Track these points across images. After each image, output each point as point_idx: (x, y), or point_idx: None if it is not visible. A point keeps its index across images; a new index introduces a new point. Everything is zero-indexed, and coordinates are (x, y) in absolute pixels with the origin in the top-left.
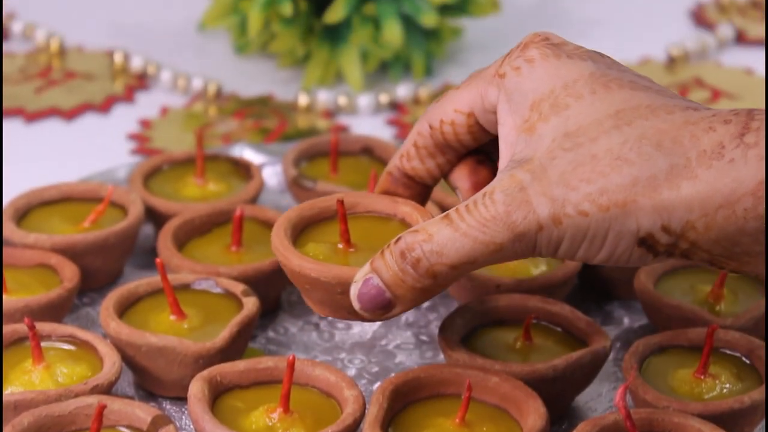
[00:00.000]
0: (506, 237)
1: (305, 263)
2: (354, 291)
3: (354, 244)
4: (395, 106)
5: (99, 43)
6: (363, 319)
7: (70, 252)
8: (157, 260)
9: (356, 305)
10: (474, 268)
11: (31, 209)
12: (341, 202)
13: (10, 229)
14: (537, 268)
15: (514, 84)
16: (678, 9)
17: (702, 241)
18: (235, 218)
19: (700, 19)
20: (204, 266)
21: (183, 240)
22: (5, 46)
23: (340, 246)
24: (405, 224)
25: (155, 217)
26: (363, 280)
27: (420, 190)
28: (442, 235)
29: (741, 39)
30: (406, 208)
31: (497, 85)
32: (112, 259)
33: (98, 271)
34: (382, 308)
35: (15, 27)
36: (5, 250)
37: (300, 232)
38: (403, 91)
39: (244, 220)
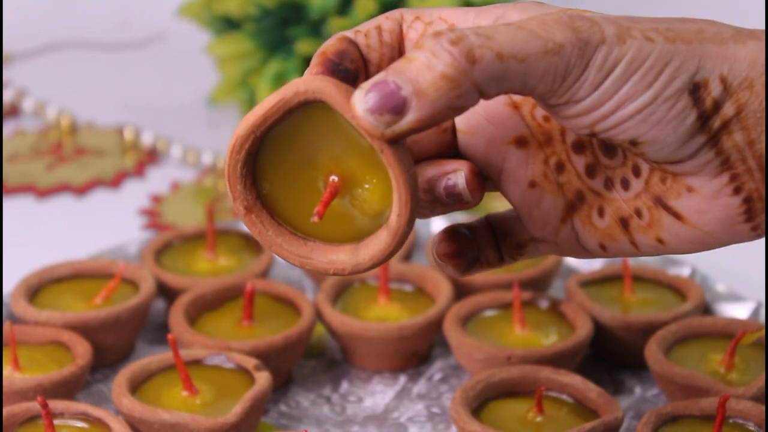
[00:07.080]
0: (568, 38)
1: None
2: (360, 93)
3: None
4: None
5: (109, 119)
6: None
7: (82, 329)
8: (169, 336)
9: (360, 107)
10: (520, 71)
11: (42, 286)
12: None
13: (22, 307)
14: (548, 338)
15: None
16: None
17: (749, 110)
18: (247, 293)
19: None
20: (216, 341)
21: (194, 315)
22: (17, 124)
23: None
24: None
25: (167, 293)
26: (376, 81)
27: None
28: (493, 26)
29: None
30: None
31: None
32: (124, 335)
33: (110, 347)
34: (391, 110)
35: (26, 104)
36: (18, 328)
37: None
38: None
39: (255, 295)
